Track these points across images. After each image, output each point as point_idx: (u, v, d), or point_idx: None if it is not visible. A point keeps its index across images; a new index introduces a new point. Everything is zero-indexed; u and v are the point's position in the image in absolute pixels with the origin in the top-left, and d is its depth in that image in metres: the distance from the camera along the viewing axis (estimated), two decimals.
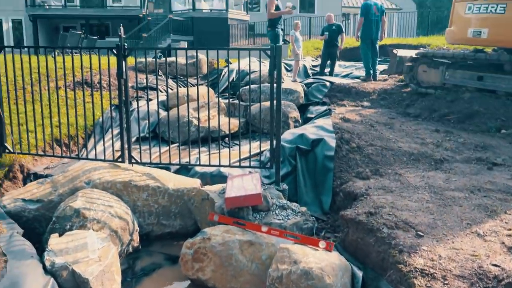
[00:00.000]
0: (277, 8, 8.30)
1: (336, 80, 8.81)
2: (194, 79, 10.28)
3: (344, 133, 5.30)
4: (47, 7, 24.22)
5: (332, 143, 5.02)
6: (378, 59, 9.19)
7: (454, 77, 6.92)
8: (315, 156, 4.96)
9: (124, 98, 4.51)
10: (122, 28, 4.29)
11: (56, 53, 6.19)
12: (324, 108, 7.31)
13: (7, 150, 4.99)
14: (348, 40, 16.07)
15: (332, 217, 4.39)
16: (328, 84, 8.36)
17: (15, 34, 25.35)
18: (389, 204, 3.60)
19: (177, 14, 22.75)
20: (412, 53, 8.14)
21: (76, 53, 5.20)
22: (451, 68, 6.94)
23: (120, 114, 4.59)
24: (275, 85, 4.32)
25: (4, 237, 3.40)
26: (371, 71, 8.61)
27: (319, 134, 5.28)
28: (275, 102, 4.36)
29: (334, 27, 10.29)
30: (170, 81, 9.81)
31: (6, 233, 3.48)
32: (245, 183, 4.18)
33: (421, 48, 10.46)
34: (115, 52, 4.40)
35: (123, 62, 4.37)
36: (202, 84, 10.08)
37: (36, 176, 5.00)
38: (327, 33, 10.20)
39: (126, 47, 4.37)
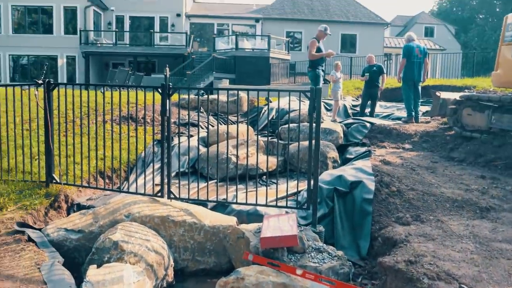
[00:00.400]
0: (319, 50, 8.43)
1: (377, 121, 8.73)
2: (235, 116, 10.49)
3: (384, 176, 5.20)
4: (99, 45, 25.70)
5: (371, 186, 4.92)
6: (421, 100, 9.07)
7: (501, 122, 6.70)
8: (353, 199, 4.88)
9: (166, 134, 4.65)
10: (167, 69, 4.49)
11: (105, 88, 6.54)
12: (363, 149, 7.23)
13: (54, 181, 5.20)
14: (390, 81, 16.01)
15: (369, 263, 4.25)
16: (368, 125, 8.29)
17: (68, 69, 26.93)
18: (431, 253, 3.46)
19: (220, 53, 23.53)
20: (456, 95, 7.99)
21: (123, 89, 5.44)
22: (497, 112, 6.74)
23: (161, 149, 4.72)
24: (314, 125, 4.33)
25: (46, 265, 3.51)
26: (413, 113, 8.49)
27: (358, 176, 5.20)
28: (313, 142, 4.36)
29: (375, 68, 10.32)
30: (211, 118, 10.05)
31: (48, 262, 3.59)
32: (281, 224, 4.15)
33: (466, 90, 10.26)
34: (160, 91, 4.58)
35: (167, 101, 4.54)
36: (242, 122, 10.26)
37: (79, 207, 5.17)
38: (368, 74, 10.22)
39: (170, 86, 4.55)
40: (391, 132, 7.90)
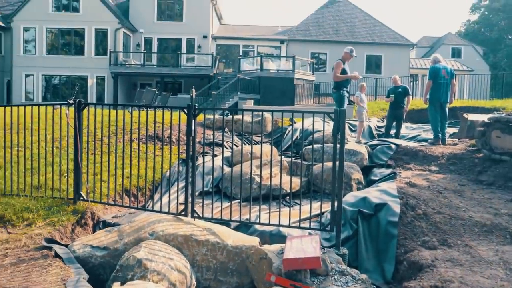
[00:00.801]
0: (344, 71, 8.44)
1: (402, 142, 8.63)
2: (259, 136, 10.55)
3: (410, 199, 5.11)
4: (127, 65, 26.41)
5: (397, 208, 4.85)
6: (448, 122, 8.92)
7: None
8: (378, 221, 4.81)
9: (191, 154, 4.72)
10: (193, 90, 4.58)
11: (132, 108, 6.69)
12: (388, 171, 7.13)
13: (81, 198, 5.32)
14: (416, 102, 15.84)
15: (394, 287, 4.15)
16: (393, 146, 8.19)
17: (98, 89, 27.71)
18: (458, 279, 3.37)
19: (245, 74, 23.81)
20: (484, 117, 7.83)
21: (150, 109, 5.56)
22: None
23: (186, 169, 4.79)
24: (338, 146, 4.32)
25: (71, 281, 3.57)
26: (440, 135, 8.36)
27: (382, 198, 5.13)
28: (337, 163, 4.34)
29: (400, 89, 10.25)
30: (235, 138, 10.14)
31: (73, 278, 3.65)
32: (304, 245, 4.12)
33: (495, 112, 10.05)
34: (186, 111, 4.68)
35: (193, 121, 4.62)
36: (266, 142, 10.31)
37: (105, 224, 5.26)
38: (393, 95, 10.15)
39: (196, 107, 4.64)
40: (417, 154, 7.78)
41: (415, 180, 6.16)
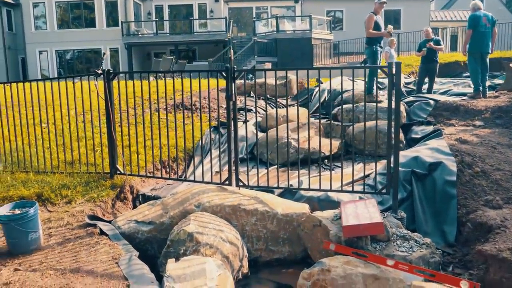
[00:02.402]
0: (376, 25, 7.96)
1: (441, 97, 8.20)
2: (283, 99, 10.20)
3: (465, 156, 4.79)
4: (140, 35, 25.94)
5: (453, 167, 4.54)
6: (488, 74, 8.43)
7: None
8: (433, 181, 4.52)
9: (232, 120, 4.45)
10: (231, 51, 4.26)
11: (150, 78, 6.40)
12: (430, 128, 6.78)
13: (118, 172, 5.14)
14: (442, 56, 15.19)
15: (460, 250, 3.91)
16: (432, 102, 7.79)
17: (111, 61, 27.38)
18: None
19: (261, 36, 23.17)
20: None
21: (177, 76, 5.28)
22: None
23: (228, 136, 4.53)
24: (393, 103, 4.00)
25: (123, 260, 3.41)
26: (481, 87, 7.90)
27: (435, 157, 4.82)
28: (393, 122, 4.03)
29: (432, 42, 9.70)
30: (261, 102, 9.80)
31: (125, 256, 3.49)
32: (359, 210, 3.87)
33: None
34: (224, 74, 4.37)
35: (233, 85, 4.32)
36: (292, 105, 9.96)
37: (144, 197, 5.10)
38: (425, 49, 9.62)
39: (235, 69, 4.33)
40: (458, 109, 7.38)
41: (463, 136, 5.81)
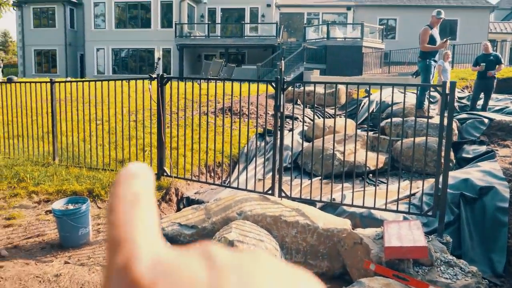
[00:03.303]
0: (432, 38, 7.74)
1: (496, 116, 7.86)
2: (332, 109, 10.13)
3: None
4: (192, 37, 26.53)
5: (506, 193, 4.36)
6: None
7: None
8: (483, 206, 4.35)
9: (279, 131, 4.49)
10: (282, 63, 4.30)
11: (208, 81, 6.54)
12: (483, 148, 6.52)
13: (165, 174, 5.30)
14: (501, 70, 14.54)
15: (508, 282, 3.74)
16: (486, 120, 7.48)
17: (163, 62, 28.17)
18: None
19: (310, 43, 23.09)
20: None
21: (227, 80, 5.37)
22: None
23: (274, 146, 4.57)
24: (445, 123, 3.89)
25: None
26: None
27: (487, 180, 4.64)
28: (444, 141, 3.92)
29: (491, 57, 9.32)
30: (307, 110, 9.79)
31: None
32: (402, 231, 3.79)
33: None
34: (274, 85, 4.42)
35: (282, 95, 4.36)
36: (340, 115, 9.87)
37: (188, 200, 5.23)
38: (484, 64, 9.26)
39: (285, 80, 4.36)
40: None
41: None
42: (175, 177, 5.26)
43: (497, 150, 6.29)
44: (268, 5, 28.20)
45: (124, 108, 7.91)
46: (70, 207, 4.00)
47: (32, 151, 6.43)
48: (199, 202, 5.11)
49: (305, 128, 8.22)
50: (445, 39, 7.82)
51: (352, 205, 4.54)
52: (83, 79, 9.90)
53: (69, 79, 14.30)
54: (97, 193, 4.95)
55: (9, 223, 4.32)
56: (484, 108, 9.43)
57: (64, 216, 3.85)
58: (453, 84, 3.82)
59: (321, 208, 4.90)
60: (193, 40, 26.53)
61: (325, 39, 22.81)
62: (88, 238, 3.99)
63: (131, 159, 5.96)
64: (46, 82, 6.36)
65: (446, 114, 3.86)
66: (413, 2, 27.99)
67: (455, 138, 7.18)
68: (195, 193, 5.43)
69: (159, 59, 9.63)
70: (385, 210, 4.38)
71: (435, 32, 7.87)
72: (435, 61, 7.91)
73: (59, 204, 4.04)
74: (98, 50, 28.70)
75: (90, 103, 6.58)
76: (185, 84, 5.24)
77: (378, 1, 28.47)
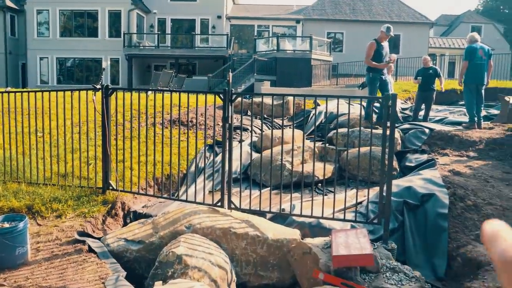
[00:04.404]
0: (378, 53, 7.99)
1: (436, 126, 8.26)
2: (281, 120, 10.25)
3: (457, 189, 4.81)
4: (141, 47, 26.09)
5: (445, 199, 4.56)
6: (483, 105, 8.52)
7: None
8: (425, 213, 4.53)
9: (228, 142, 4.46)
10: (230, 74, 4.29)
11: (148, 92, 6.42)
12: (424, 156, 6.81)
13: (110, 187, 5.12)
14: (439, 83, 15.33)
15: (449, 286, 3.90)
16: (427, 130, 7.84)
17: (111, 72, 27.47)
18: None
19: (261, 55, 23.35)
20: None
21: (176, 91, 5.31)
22: None
23: (222, 158, 4.54)
24: (387, 133, 4.03)
25: (110, 280, 3.38)
26: (476, 118, 7.97)
27: (428, 188, 4.84)
28: (386, 150, 4.06)
29: (430, 71, 9.82)
30: (257, 121, 9.84)
31: (112, 276, 3.46)
32: (350, 239, 3.87)
33: None
34: (222, 96, 4.40)
35: (230, 107, 4.35)
36: (288, 126, 10.01)
37: (135, 215, 5.07)
38: (421, 78, 9.74)
39: (233, 92, 4.36)
40: (453, 139, 7.43)
41: (457, 167, 5.84)
42: (121, 190, 5.09)
43: (437, 158, 6.60)
44: (219, 17, 28.30)
45: (68, 120, 7.60)
46: (6, 225, 3.76)
47: None
48: (146, 216, 4.97)
49: (255, 139, 8.25)
50: (388, 60, 8.13)
51: (301, 215, 4.58)
52: (24, 89, 9.44)
53: (8, 89, 13.57)
54: (37, 209, 4.69)
55: None
56: (425, 119, 9.88)
57: None
58: (394, 96, 3.97)
59: (271, 219, 4.90)
60: (142, 50, 26.09)
61: (275, 51, 23.16)
62: (26, 258, 3.76)
63: (75, 172, 5.71)
64: None
65: (388, 125, 4.00)
66: (359, 17, 29.10)
67: (398, 148, 7.46)
68: (143, 207, 5.28)
69: (103, 69, 9.36)
70: (333, 219, 4.46)
71: (385, 46, 8.14)
72: (382, 74, 8.19)
73: None
74: (41, 59, 27.53)
75: (30, 114, 6.26)
76: (131, 95, 5.12)
77: (326, 15, 29.35)
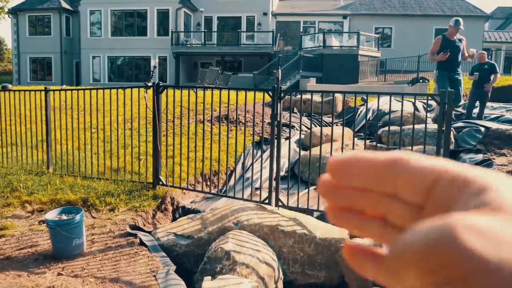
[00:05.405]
0: (445, 48, 7.52)
1: (493, 125, 7.87)
2: (329, 117, 10.12)
3: None
4: (188, 45, 26.58)
5: None
6: None
7: None
8: None
9: (276, 139, 4.45)
10: (279, 71, 4.28)
11: (197, 89, 6.52)
12: (479, 156, 6.51)
13: (160, 183, 5.25)
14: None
15: None
16: (482, 129, 7.48)
17: (159, 69, 28.18)
18: None
19: (307, 51, 23.17)
20: None
21: (224, 89, 5.38)
22: None
23: (270, 156, 4.53)
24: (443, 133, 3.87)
25: (161, 273, 3.46)
26: None
27: None
28: (442, 151, 3.90)
29: (486, 66, 9.36)
30: (304, 119, 9.77)
31: (163, 269, 3.54)
32: None
33: None
34: (271, 94, 4.39)
35: (279, 104, 4.33)
36: (336, 123, 9.87)
37: (184, 210, 5.16)
38: (477, 73, 9.29)
39: (282, 89, 4.34)
40: (511, 138, 7.05)
41: None
42: (170, 186, 5.20)
43: (494, 158, 6.29)
44: (265, 14, 28.33)
45: (120, 117, 7.86)
46: (64, 217, 3.93)
47: (25, 160, 6.36)
48: (195, 211, 5.05)
49: (302, 136, 8.19)
50: (444, 53, 7.77)
51: None
52: (78, 87, 9.89)
53: (64, 86, 14.24)
54: (91, 202, 4.88)
55: (1, 234, 4.25)
56: (480, 117, 9.45)
57: (58, 227, 3.78)
58: (450, 94, 3.80)
59: (319, 218, 4.85)
60: (189, 48, 26.58)
61: (321, 48, 22.90)
62: (82, 249, 3.92)
63: (126, 167, 5.90)
64: (40, 91, 6.31)
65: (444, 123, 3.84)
66: (409, 11, 28.21)
67: (452, 147, 7.16)
68: (191, 202, 5.38)
69: (154, 67, 9.57)
70: None
71: (456, 42, 7.61)
72: (452, 72, 7.70)
73: (52, 214, 3.97)
74: (94, 57, 28.68)
75: (85, 111, 6.53)
76: (181, 92, 5.21)
77: (374, 10, 28.67)
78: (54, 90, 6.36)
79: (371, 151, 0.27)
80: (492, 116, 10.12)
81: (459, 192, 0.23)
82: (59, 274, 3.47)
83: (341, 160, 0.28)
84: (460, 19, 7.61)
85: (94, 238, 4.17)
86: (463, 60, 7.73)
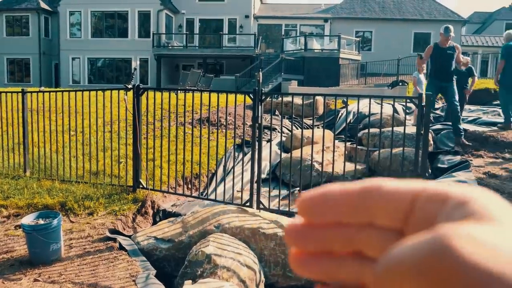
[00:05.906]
0: (434, 58, 7.44)
1: (470, 127, 8.04)
2: (310, 119, 10.18)
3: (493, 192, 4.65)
4: (170, 47, 26.42)
5: None
6: None
7: None
8: None
9: (257, 142, 4.45)
10: (260, 74, 4.28)
11: (178, 91, 6.48)
12: (457, 158, 6.63)
13: (141, 186, 5.19)
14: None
15: None
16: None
17: (140, 71, 27.94)
18: None
19: (288, 54, 23.27)
20: None
21: (205, 91, 5.37)
22: None
23: (252, 158, 4.53)
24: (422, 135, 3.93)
25: (141, 278, 3.42)
26: None
27: None
28: (420, 152, 3.96)
29: (464, 69, 9.53)
30: (286, 121, 9.81)
31: (143, 274, 3.50)
32: None
33: None
34: (252, 96, 4.39)
35: (260, 107, 4.34)
36: (317, 126, 9.93)
37: (165, 213, 5.12)
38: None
39: (262, 92, 4.34)
40: (487, 140, 7.21)
41: (492, 169, 5.66)
42: (151, 189, 5.15)
43: (471, 160, 6.41)
44: (247, 17, 28.38)
45: (100, 119, 7.75)
46: (41, 221, 3.85)
47: (1, 163, 6.22)
48: (175, 214, 5.01)
49: (283, 139, 8.21)
50: (418, 56, 7.91)
51: None
52: (57, 89, 9.72)
53: (42, 88, 14.02)
54: (69, 206, 4.80)
55: None
56: None
57: (34, 232, 3.70)
58: (428, 96, 3.86)
59: None
60: (170, 50, 26.43)
61: (303, 51, 23.04)
62: (60, 254, 3.85)
63: (106, 171, 5.82)
64: (17, 92, 6.18)
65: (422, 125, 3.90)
66: (388, 15, 28.62)
67: (430, 149, 7.28)
68: (172, 206, 5.33)
69: (135, 69, 9.52)
70: None
71: (449, 50, 7.51)
72: (443, 81, 7.51)
73: (29, 219, 3.88)
74: (73, 59, 28.27)
75: (64, 113, 6.42)
76: (162, 94, 5.17)
77: (354, 14, 29.01)
78: (32, 92, 6.25)
79: (342, 183, 0.26)
80: (470, 119, 10.33)
81: (439, 206, 0.22)
82: (35, 280, 3.40)
83: (314, 195, 0.26)
84: (450, 26, 7.55)
85: (72, 243, 4.09)
86: (459, 68, 7.70)
